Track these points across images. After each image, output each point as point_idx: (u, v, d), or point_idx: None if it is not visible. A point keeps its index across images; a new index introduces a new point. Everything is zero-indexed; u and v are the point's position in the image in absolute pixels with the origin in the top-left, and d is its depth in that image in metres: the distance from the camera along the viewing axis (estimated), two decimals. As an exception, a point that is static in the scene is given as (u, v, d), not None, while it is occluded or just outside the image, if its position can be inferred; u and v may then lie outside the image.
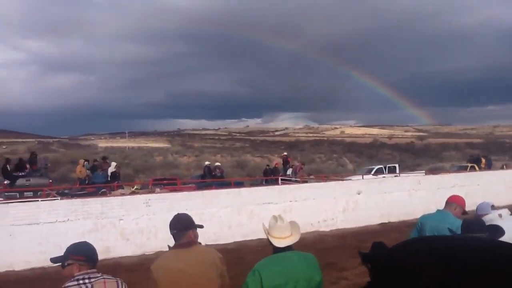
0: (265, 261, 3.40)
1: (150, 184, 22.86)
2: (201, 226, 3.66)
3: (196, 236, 3.59)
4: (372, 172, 26.18)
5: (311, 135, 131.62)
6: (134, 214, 13.02)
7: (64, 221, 12.20)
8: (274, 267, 3.33)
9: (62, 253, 11.29)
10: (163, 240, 12.82)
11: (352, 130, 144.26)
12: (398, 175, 24.22)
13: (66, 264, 3.29)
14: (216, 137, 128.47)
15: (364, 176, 20.67)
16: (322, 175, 28.22)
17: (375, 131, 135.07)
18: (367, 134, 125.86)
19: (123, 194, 15.37)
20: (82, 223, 12.36)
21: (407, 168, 43.79)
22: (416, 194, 17.16)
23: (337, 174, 37.64)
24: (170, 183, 22.64)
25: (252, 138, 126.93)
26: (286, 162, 26.29)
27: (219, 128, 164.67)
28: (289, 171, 24.37)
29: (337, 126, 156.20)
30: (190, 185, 21.69)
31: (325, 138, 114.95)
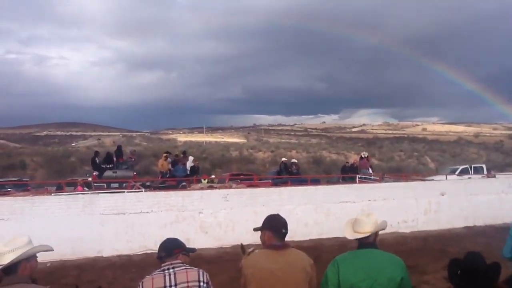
0: (347, 255, 3.43)
1: (227, 179, 23.30)
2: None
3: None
4: (457, 172, 24.80)
5: (390, 132, 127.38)
6: (213, 208, 13.37)
7: (148, 212, 12.81)
8: (354, 262, 3.33)
9: (145, 243, 11.74)
10: (240, 234, 13.15)
11: (434, 127, 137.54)
12: (486, 175, 22.78)
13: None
14: (292, 133, 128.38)
15: (448, 176, 19.63)
16: (402, 174, 27.24)
17: (460, 128, 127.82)
18: (451, 131, 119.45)
19: (202, 188, 15.79)
20: (165, 215, 12.90)
21: (495, 168, 41.08)
22: (506, 198, 16.04)
23: (418, 173, 36.17)
24: (247, 178, 22.93)
25: (328, 134, 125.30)
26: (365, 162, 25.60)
27: (295, 124, 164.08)
28: (370, 170, 23.74)
29: (419, 123, 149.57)
30: (266, 181, 21.82)
31: (406, 135, 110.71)
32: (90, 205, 12.47)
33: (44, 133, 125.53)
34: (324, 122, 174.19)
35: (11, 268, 2.76)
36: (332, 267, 3.37)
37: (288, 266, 3.38)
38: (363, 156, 23.80)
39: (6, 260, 2.74)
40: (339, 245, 11.68)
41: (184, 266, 3.32)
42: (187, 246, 3.56)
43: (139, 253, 12.53)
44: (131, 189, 15.80)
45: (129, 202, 12.83)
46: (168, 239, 3.58)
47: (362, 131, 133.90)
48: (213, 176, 22.69)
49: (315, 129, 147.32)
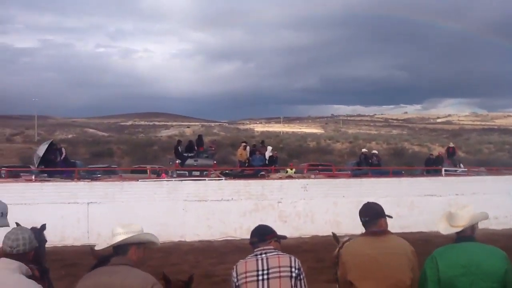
0: (444, 249, 3.29)
1: (305, 169, 23.18)
2: (390, 216, 3.59)
3: (387, 225, 3.51)
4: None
5: (478, 123, 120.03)
6: (292, 197, 13.38)
7: (228, 200, 13.10)
8: (452, 256, 3.20)
9: (226, 229, 11.91)
10: (319, 225, 13.04)
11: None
12: None
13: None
14: (372, 124, 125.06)
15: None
16: (493, 168, 25.53)
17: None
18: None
19: (280, 178, 15.83)
20: (244, 203, 13.12)
21: None
22: None
23: (509, 167, 33.74)
24: (325, 169, 22.67)
25: (410, 125, 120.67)
26: (452, 154, 24.33)
27: (375, 114, 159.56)
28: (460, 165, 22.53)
29: (511, 114, 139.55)
30: (345, 172, 21.44)
31: (496, 127, 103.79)
32: (174, 192, 12.98)
33: (129, 122, 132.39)
34: (406, 113, 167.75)
35: (121, 250, 2.91)
36: (430, 262, 3.23)
37: (389, 252, 3.30)
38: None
39: (117, 240, 2.91)
40: (423, 240, 11.21)
41: (276, 251, 3.31)
42: (269, 236, 3.56)
43: (219, 239, 12.85)
44: (211, 177, 16.19)
45: (211, 189, 13.19)
46: (260, 225, 3.59)
47: (447, 122, 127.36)
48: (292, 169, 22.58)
49: (396, 119, 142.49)
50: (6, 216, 3.55)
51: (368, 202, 3.64)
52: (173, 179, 14.85)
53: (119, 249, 2.92)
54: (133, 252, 2.93)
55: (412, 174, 20.89)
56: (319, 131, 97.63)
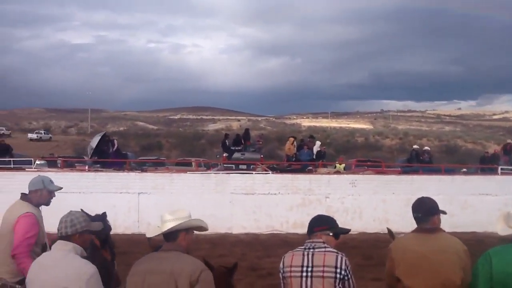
0: (500, 248, 3.13)
1: (353, 165, 22.81)
2: (445, 212, 3.45)
3: (440, 222, 3.39)
4: None
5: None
6: (340, 193, 13.20)
7: (275, 193, 13.08)
8: (508, 255, 3.03)
9: (272, 223, 11.89)
10: (367, 222, 12.80)
11: None
12: None
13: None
14: (423, 120, 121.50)
15: None
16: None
17: None
18: None
19: (328, 173, 15.65)
20: (291, 197, 13.06)
21: None
22: None
23: None
24: (374, 165, 22.21)
25: (464, 122, 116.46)
26: (509, 151, 23.20)
27: (426, 110, 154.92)
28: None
29: None
30: (395, 168, 20.92)
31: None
32: (222, 184, 13.11)
33: (178, 116, 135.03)
34: (460, 109, 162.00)
35: (171, 236, 2.96)
36: (483, 259, 3.09)
37: (440, 250, 3.19)
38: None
39: (167, 227, 2.95)
40: (476, 241, 10.78)
41: (324, 247, 3.19)
42: (318, 228, 3.38)
43: (266, 232, 12.86)
44: (258, 171, 16.20)
45: (258, 183, 13.21)
46: (316, 216, 3.49)
47: (504, 119, 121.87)
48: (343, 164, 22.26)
49: (449, 115, 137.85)
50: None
51: (422, 197, 3.50)
52: (221, 172, 14.99)
53: (169, 236, 2.97)
54: (182, 238, 2.97)
55: (465, 172, 20.12)
56: (368, 126, 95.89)
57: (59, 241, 2.99)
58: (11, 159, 20.93)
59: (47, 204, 4.28)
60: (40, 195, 4.17)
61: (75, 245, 2.96)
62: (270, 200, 13.01)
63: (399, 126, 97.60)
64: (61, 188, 4.35)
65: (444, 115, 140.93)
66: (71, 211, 3.17)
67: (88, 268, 2.89)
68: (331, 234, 3.34)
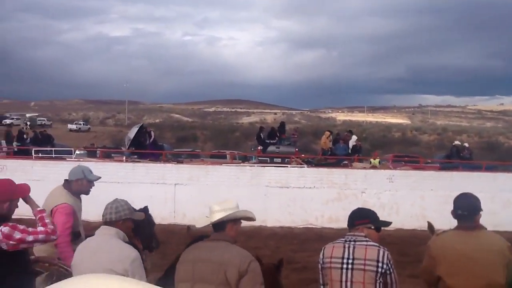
0: None
1: (390, 160, 22.44)
2: (481, 210, 3.37)
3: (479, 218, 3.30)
4: None
5: None
6: (376, 188, 13.00)
7: (310, 187, 12.99)
8: None
9: (307, 217, 11.80)
10: (404, 218, 12.54)
11: None
12: None
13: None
14: (463, 115, 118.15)
15: None
16: None
17: None
18: None
19: (364, 168, 15.43)
20: (327, 191, 12.94)
21: None
22: None
23: None
24: (412, 160, 21.79)
25: (507, 118, 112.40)
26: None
27: (466, 105, 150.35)
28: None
29: None
30: (433, 164, 20.46)
31: None
32: (257, 177, 13.11)
33: (213, 109, 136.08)
34: (502, 104, 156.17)
35: (219, 226, 3.05)
36: None
37: (483, 248, 3.14)
38: None
39: (216, 217, 3.02)
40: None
41: (366, 241, 3.16)
42: (359, 222, 3.37)
43: (300, 226, 12.80)
44: (293, 164, 16.14)
45: (293, 176, 13.16)
46: (357, 209, 3.50)
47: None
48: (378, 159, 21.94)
49: (491, 111, 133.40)
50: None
51: (466, 194, 3.43)
52: (256, 165, 15.00)
53: (217, 226, 3.05)
54: (230, 228, 3.05)
55: (508, 169, 19.44)
56: (405, 121, 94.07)
57: (103, 226, 3.12)
58: (53, 148, 21.64)
59: (87, 193, 4.41)
60: (80, 184, 4.31)
61: (118, 230, 3.09)
62: (305, 194, 12.93)
63: (438, 121, 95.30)
64: (99, 178, 4.47)
65: (486, 110, 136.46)
66: (116, 198, 3.27)
67: (132, 251, 3.03)
68: (372, 227, 3.31)
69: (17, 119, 67.34)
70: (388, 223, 3.49)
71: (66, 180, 4.36)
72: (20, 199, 3.42)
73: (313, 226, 12.79)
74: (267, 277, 3.16)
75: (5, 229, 3.10)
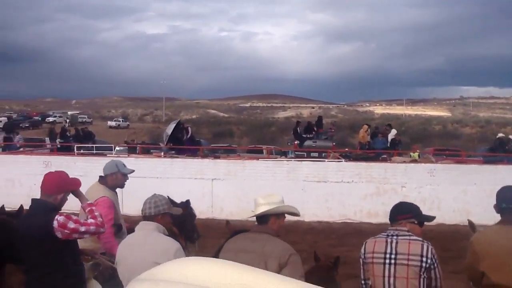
0: None
1: (431, 153, 21.91)
2: None
3: None
4: None
5: None
6: (416, 182, 12.71)
7: (348, 182, 12.82)
8: None
9: (345, 212, 11.63)
10: (446, 213, 12.21)
11: None
12: None
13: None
14: (507, 107, 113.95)
15: None
16: None
17: None
18: None
19: (404, 162, 15.12)
20: (365, 186, 12.75)
21: None
22: None
23: None
24: (453, 154, 21.20)
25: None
26: None
27: (511, 97, 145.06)
28: None
29: None
30: (476, 158, 19.81)
31: None
32: (294, 172, 13.05)
33: (248, 104, 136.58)
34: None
35: (263, 219, 3.12)
36: None
37: None
38: None
39: (260, 210, 3.10)
40: None
41: (409, 235, 3.11)
42: (402, 216, 3.32)
43: (339, 221, 12.68)
44: (330, 159, 15.99)
45: (331, 171, 13.03)
46: (399, 203, 3.49)
47: None
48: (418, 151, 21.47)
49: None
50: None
51: (510, 186, 3.34)
52: (293, 159, 14.95)
53: (261, 219, 3.12)
54: (273, 221, 3.11)
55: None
56: (446, 114, 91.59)
57: (142, 222, 3.18)
58: (94, 145, 22.26)
59: (122, 186, 4.50)
60: (115, 178, 4.41)
61: (158, 225, 3.16)
62: (343, 188, 12.78)
63: (480, 113, 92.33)
64: (133, 171, 4.55)
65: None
66: (155, 193, 3.33)
67: (174, 243, 3.13)
68: (415, 222, 3.27)
69: (60, 117, 69.90)
70: (431, 218, 3.44)
71: (101, 176, 4.46)
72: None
73: (352, 221, 12.63)
74: (322, 274, 3.23)
75: (60, 218, 3.22)
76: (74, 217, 3.31)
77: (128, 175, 4.55)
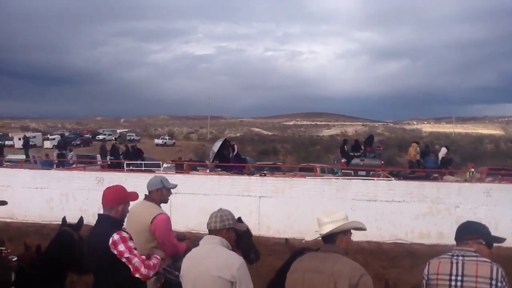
0: None
1: (484, 173, 21.02)
2: None
3: None
4: None
5: None
6: (472, 203, 12.22)
7: (399, 201, 12.48)
8: None
9: (396, 232, 11.24)
10: (504, 235, 11.54)
11: None
12: None
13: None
14: None
15: None
16: None
17: None
18: None
19: (456, 181, 14.57)
20: (417, 206, 12.37)
21: None
22: None
23: None
24: (509, 174, 20.23)
25: None
26: None
27: None
28: None
29: None
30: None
31: None
32: (343, 190, 12.83)
33: (292, 122, 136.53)
34: None
35: (330, 238, 3.02)
36: None
37: None
38: None
39: (325, 230, 3.00)
40: None
41: (476, 256, 2.95)
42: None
43: (389, 241, 12.31)
44: (378, 177, 15.64)
45: (381, 190, 12.72)
46: (465, 222, 3.29)
47: None
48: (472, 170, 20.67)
49: None
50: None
51: None
52: (340, 177, 14.71)
53: (327, 238, 3.02)
54: (340, 239, 3.02)
55: None
56: (498, 132, 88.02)
57: (207, 236, 3.18)
58: (143, 162, 22.80)
59: (166, 201, 4.56)
60: (161, 194, 4.46)
61: (222, 239, 3.15)
62: (393, 208, 12.43)
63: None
64: (176, 186, 4.59)
65: None
66: (220, 208, 3.34)
67: (237, 258, 3.07)
68: (483, 242, 3.09)
69: (109, 134, 72.44)
70: (502, 239, 3.24)
71: (146, 195, 4.49)
72: None
73: (403, 242, 12.25)
74: None
75: (116, 237, 3.34)
76: (130, 242, 3.40)
77: (172, 190, 4.60)
